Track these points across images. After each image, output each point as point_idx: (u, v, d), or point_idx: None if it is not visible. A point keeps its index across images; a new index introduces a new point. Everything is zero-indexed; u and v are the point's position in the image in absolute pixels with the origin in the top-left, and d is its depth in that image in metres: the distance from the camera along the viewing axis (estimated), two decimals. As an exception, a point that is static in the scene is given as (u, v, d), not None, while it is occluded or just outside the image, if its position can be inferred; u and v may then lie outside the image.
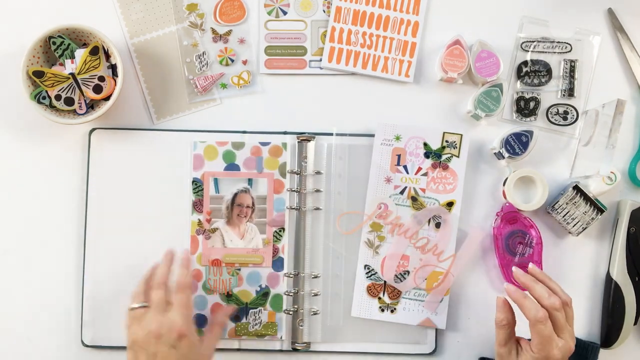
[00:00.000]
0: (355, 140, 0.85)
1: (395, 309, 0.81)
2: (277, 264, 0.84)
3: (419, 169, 0.81)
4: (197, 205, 0.85)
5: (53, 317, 0.85)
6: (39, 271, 0.85)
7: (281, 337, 0.84)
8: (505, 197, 0.84)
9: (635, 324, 0.84)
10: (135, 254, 0.83)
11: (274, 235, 0.84)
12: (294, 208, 0.85)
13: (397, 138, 0.79)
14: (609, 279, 0.85)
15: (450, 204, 0.82)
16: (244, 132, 0.86)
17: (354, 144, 0.85)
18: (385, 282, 0.81)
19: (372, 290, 0.82)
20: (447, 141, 0.81)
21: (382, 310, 0.81)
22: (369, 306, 0.82)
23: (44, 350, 0.85)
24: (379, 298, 0.82)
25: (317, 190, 0.85)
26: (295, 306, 0.84)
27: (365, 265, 0.82)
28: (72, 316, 0.84)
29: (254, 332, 0.84)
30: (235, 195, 0.85)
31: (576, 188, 0.84)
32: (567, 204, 0.84)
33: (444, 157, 0.80)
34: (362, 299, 0.82)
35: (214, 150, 0.85)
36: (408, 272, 0.81)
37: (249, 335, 0.84)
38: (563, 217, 0.84)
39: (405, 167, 0.80)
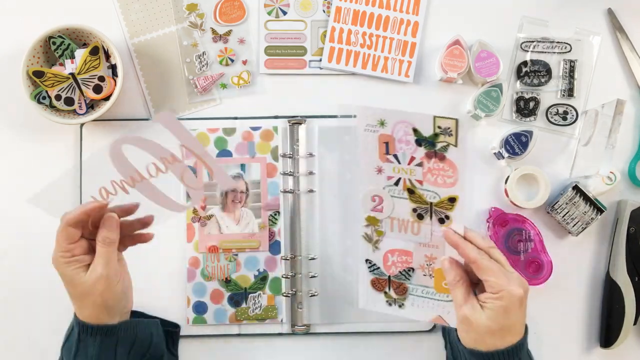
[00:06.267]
0: (347, 122, 0.86)
1: (403, 304, 0.76)
2: (274, 247, 0.85)
3: (412, 158, 0.69)
4: None
5: (53, 315, 0.84)
6: (39, 265, 0.85)
7: (281, 320, 0.85)
8: (507, 195, 0.84)
9: (635, 323, 0.84)
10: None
11: (269, 219, 0.85)
12: (288, 191, 0.85)
13: (382, 123, 0.69)
14: (608, 279, 0.85)
15: (452, 200, 0.70)
16: (235, 118, 0.86)
17: (347, 125, 0.86)
18: (389, 276, 0.76)
19: (377, 285, 0.77)
20: (439, 127, 0.67)
21: (390, 305, 0.77)
22: (376, 299, 0.77)
23: (44, 348, 0.85)
24: (385, 292, 0.77)
25: (311, 173, 0.86)
26: (294, 289, 0.85)
27: (367, 260, 0.76)
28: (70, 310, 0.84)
29: (254, 316, 0.84)
30: None
31: (576, 188, 0.84)
32: (566, 204, 0.84)
33: (438, 145, 0.68)
34: (367, 292, 0.77)
35: (205, 137, 0.86)
36: (413, 269, 0.74)
37: (249, 319, 0.84)
38: (563, 217, 0.84)
39: (395, 156, 0.69)
